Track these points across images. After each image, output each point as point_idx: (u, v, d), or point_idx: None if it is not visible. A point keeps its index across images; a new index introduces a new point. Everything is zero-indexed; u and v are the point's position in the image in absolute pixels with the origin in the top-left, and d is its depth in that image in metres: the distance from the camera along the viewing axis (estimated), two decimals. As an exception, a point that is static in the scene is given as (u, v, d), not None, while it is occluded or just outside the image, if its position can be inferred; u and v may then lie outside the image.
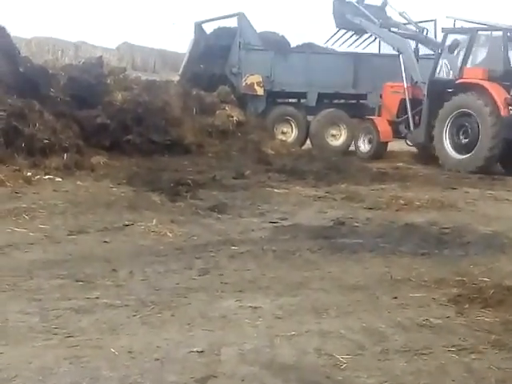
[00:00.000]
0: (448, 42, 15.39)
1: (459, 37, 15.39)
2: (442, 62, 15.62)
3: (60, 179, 10.34)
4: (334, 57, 18.84)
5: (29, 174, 10.24)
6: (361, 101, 19.45)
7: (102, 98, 13.50)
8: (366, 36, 18.82)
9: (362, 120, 17.72)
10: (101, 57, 15.90)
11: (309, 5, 60.23)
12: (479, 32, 15.06)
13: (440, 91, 15.17)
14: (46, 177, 10.36)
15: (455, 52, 15.31)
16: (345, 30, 18.90)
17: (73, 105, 12.88)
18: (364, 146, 17.10)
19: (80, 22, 58.59)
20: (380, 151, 16.83)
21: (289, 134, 17.86)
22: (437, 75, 15.53)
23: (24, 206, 8.31)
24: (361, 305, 5.05)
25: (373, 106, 19.00)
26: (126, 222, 7.77)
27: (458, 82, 14.84)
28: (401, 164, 15.39)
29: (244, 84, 17.23)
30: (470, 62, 15.18)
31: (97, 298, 5.05)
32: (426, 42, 17.52)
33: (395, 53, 19.56)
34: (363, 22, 17.96)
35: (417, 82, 16.20)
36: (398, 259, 6.55)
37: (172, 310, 4.82)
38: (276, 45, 17.91)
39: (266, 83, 17.41)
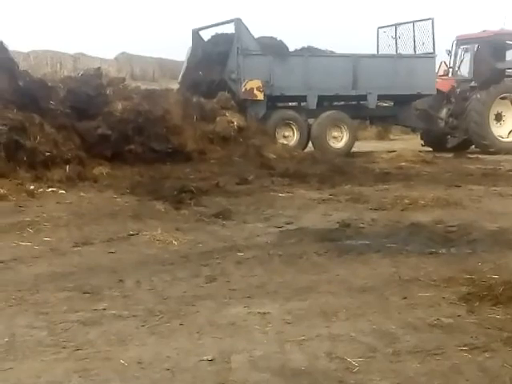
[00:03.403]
0: None
1: None
2: None
3: (63, 191, 10.34)
4: (332, 59, 18.89)
5: (31, 187, 10.24)
6: (361, 102, 19.47)
7: (102, 109, 13.52)
8: None
9: None
10: (99, 68, 15.94)
11: (306, 8, 60.32)
12: None
13: None
14: (49, 189, 10.36)
15: None
16: None
17: (73, 117, 12.90)
18: None
19: (78, 33, 58.71)
20: None
21: (290, 137, 17.87)
22: None
23: (28, 219, 8.29)
24: (370, 306, 5.00)
25: (372, 106, 19.06)
26: (131, 232, 7.75)
27: None
28: (404, 163, 15.34)
29: (243, 89, 17.25)
30: None
31: (104, 309, 5.01)
32: None
33: (393, 53, 19.74)
34: None
35: None
36: (406, 259, 6.50)
37: (180, 318, 4.78)
38: (274, 49, 17.93)
39: (265, 88, 17.41)
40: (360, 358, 4.02)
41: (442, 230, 7.82)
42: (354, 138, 18.98)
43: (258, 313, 4.87)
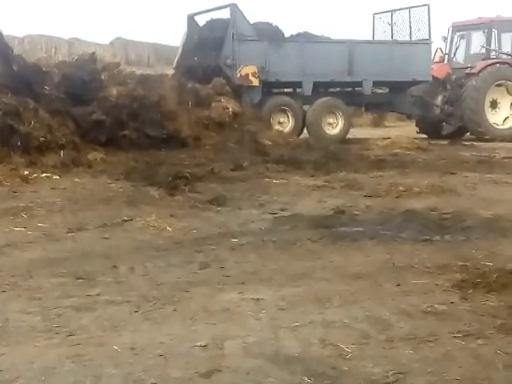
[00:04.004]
0: None
1: None
2: None
3: (57, 177, 10.31)
4: (328, 45, 18.82)
5: (26, 172, 10.21)
6: (356, 88, 19.43)
7: (96, 94, 13.45)
8: None
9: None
10: (94, 53, 15.85)
11: (301, -6, 60.16)
12: None
13: None
14: (43, 175, 10.33)
15: None
16: None
17: (68, 102, 12.82)
18: None
19: (73, 18, 58.44)
20: None
21: (285, 123, 17.83)
22: None
23: (22, 204, 8.27)
24: (364, 293, 5.01)
25: (367, 93, 19.02)
26: (125, 218, 7.73)
27: None
28: (399, 150, 15.33)
29: (239, 75, 17.19)
30: None
31: (98, 295, 5.01)
32: None
33: (389, 39, 19.73)
34: None
35: None
36: (400, 246, 6.50)
37: (174, 304, 4.78)
38: (270, 35, 17.85)
39: (260, 74, 17.35)
40: (353, 344, 4.02)
41: (437, 217, 7.81)
42: (349, 125, 18.96)
43: (252, 299, 4.88)
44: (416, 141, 17.15)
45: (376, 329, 4.27)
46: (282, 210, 8.37)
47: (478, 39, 21.11)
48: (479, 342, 4.06)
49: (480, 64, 19.98)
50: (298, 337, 4.15)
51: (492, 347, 3.98)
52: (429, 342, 4.06)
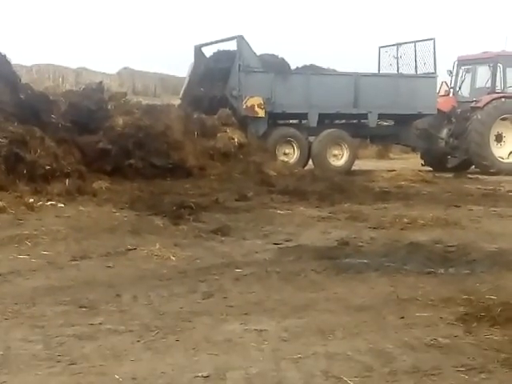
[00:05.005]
0: None
1: None
2: None
3: (62, 205, 10.31)
4: (334, 77, 18.94)
5: (31, 200, 10.21)
6: (362, 120, 19.51)
7: (103, 123, 13.53)
8: None
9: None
10: (101, 82, 15.96)
11: (309, 27, 60.56)
12: None
13: None
14: (48, 203, 10.33)
15: None
16: None
17: (74, 130, 12.91)
18: None
19: (80, 48, 58.91)
20: None
21: (291, 154, 17.90)
22: None
23: (26, 232, 8.26)
24: (367, 325, 4.98)
25: (373, 125, 19.10)
26: (129, 247, 7.72)
27: None
28: (403, 183, 15.34)
29: (244, 106, 17.29)
30: None
31: (100, 323, 4.99)
32: None
33: (394, 72, 19.86)
34: None
35: None
36: (404, 278, 6.48)
37: (176, 334, 4.76)
38: (276, 67, 17.97)
39: (266, 105, 17.45)
40: (356, 377, 3.99)
41: (441, 250, 7.79)
42: (354, 157, 19.02)
43: (255, 330, 4.85)
44: (421, 173, 17.16)
45: (379, 361, 4.24)
46: (287, 241, 8.35)
47: (483, 73, 21.22)
48: (482, 376, 4.03)
49: (485, 98, 20.07)
50: (301, 368, 4.12)
51: (495, 382, 3.95)
52: (432, 375, 4.03)
